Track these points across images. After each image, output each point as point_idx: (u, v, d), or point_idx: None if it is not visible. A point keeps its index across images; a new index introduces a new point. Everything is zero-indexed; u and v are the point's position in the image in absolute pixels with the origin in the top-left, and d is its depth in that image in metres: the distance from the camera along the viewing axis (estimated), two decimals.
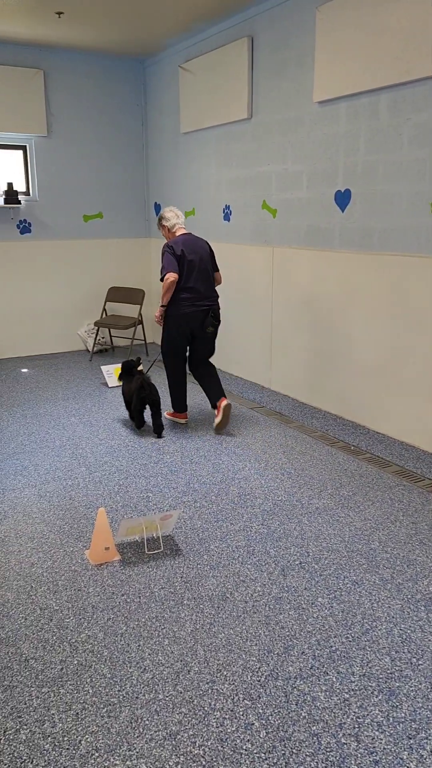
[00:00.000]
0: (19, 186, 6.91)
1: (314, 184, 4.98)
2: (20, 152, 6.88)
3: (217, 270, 4.82)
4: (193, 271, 4.53)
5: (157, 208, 7.44)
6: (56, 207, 7.11)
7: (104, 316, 7.25)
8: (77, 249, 7.31)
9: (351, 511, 3.50)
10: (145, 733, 2.02)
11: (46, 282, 7.19)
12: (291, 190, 5.24)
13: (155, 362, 5.78)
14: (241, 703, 2.14)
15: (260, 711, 2.11)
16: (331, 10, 4.49)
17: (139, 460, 4.20)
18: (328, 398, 5.14)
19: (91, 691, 2.20)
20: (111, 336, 7.54)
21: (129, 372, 4.81)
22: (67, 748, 1.96)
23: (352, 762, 1.91)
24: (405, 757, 1.93)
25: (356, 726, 2.05)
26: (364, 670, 2.30)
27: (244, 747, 1.97)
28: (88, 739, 2.00)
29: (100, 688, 2.21)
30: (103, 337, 7.50)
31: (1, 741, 1.99)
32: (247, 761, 1.91)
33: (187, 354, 4.84)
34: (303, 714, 2.10)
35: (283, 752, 1.94)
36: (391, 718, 2.08)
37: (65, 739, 2.00)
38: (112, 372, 5.91)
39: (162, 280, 4.50)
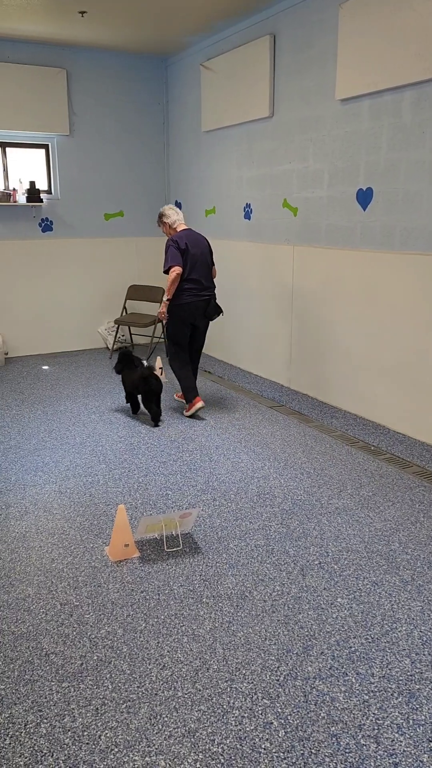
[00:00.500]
0: (42, 184, 6.96)
1: (335, 183, 4.95)
2: (43, 151, 6.93)
3: (214, 264, 5.11)
4: (196, 263, 4.84)
5: (178, 206, 7.43)
6: (78, 205, 7.15)
7: (124, 314, 7.29)
8: (98, 247, 7.35)
9: (371, 511, 3.49)
10: (164, 730, 2.03)
11: (67, 280, 7.24)
12: (312, 188, 5.22)
13: (154, 348, 5.97)
14: (260, 702, 2.14)
15: (279, 710, 2.11)
16: (353, 8, 4.46)
17: (158, 458, 4.21)
18: (348, 398, 5.11)
19: (110, 686, 2.21)
20: (131, 334, 7.58)
21: (128, 361, 4.98)
22: (87, 743, 1.98)
23: (372, 764, 1.90)
24: (425, 759, 1.92)
25: (376, 727, 2.04)
26: (383, 672, 2.28)
27: (263, 746, 1.97)
28: (108, 734, 2.01)
29: (119, 684, 2.22)
30: (123, 335, 7.53)
31: (22, 734, 2.01)
32: (266, 760, 1.91)
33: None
34: (322, 714, 2.09)
35: (302, 752, 1.94)
36: (411, 721, 2.07)
37: (85, 733, 2.02)
38: None
39: (166, 272, 4.79)
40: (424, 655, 2.37)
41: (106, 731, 2.02)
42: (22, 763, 1.91)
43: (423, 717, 2.08)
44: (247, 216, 6.15)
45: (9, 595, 2.73)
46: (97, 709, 2.12)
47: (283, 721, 2.06)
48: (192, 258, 4.81)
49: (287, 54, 5.29)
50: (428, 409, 4.38)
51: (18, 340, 7.12)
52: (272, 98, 5.53)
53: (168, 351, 5.09)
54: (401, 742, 1.98)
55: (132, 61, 7.09)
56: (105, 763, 1.90)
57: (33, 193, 6.71)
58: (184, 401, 5.18)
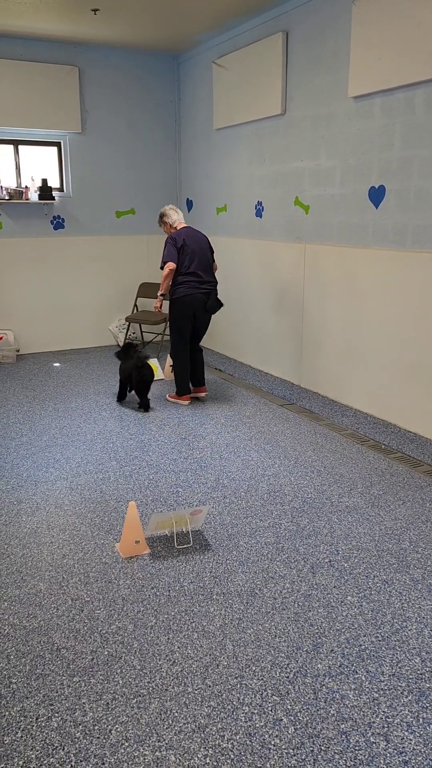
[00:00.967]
0: (54, 182, 6.99)
1: (348, 181, 4.94)
2: (55, 149, 6.95)
3: (214, 260, 5.32)
4: (195, 258, 5.06)
5: (190, 204, 7.45)
6: (89, 203, 7.17)
7: (135, 311, 7.31)
8: (109, 245, 7.37)
9: (381, 510, 3.48)
10: (174, 725, 2.04)
11: (78, 277, 7.27)
12: (324, 186, 5.20)
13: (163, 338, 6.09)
14: (270, 698, 2.15)
15: (289, 707, 2.11)
16: (366, 5, 4.44)
17: (169, 455, 4.22)
18: (359, 396, 5.10)
19: (121, 681, 2.23)
20: (141, 331, 7.59)
21: (132, 352, 5.15)
22: (98, 737, 1.99)
23: (381, 761, 1.91)
24: None
25: (385, 725, 2.04)
26: (393, 670, 2.28)
27: (273, 742, 1.97)
28: (118, 729, 2.02)
29: (130, 679, 2.24)
30: (133, 332, 7.55)
31: (34, 728, 2.03)
32: (275, 756, 1.92)
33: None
34: (332, 712, 2.09)
35: (311, 749, 1.95)
36: (421, 719, 2.07)
37: (96, 728, 2.03)
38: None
39: (162, 268, 5.05)
40: None
41: (117, 726, 2.04)
42: (33, 756, 1.93)
43: None
44: (259, 214, 6.14)
45: (21, 590, 2.75)
46: (108, 703, 2.13)
47: (292, 717, 2.07)
48: (191, 253, 5.03)
49: (300, 51, 5.28)
50: None
51: (29, 337, 7.16)
52: (284, 96, 5.52)
53: (172, 344, 5.27)
54: (411, 740, 1.98)
55: (144, 58, 7.10)
56: (116, 758, 1.92)
57: (45, 191, 6.73)
58: (177, 401, 5.33)
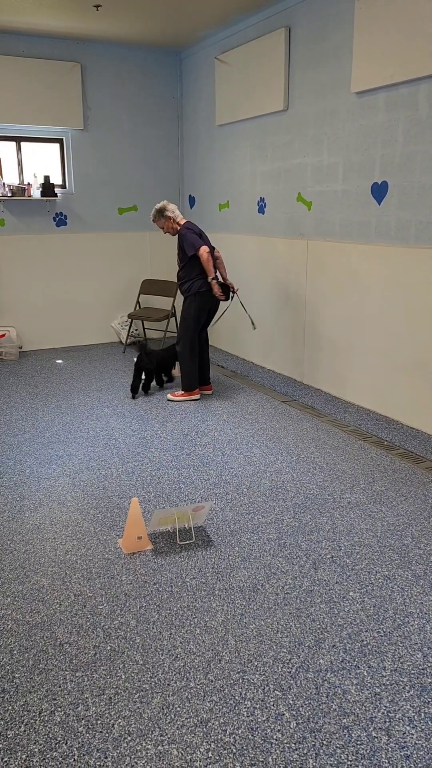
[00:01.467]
0: (56, 179, 6.99)
1: (350, 177, 4.93)
2: (57, 145, 6.95)
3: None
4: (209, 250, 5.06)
5: (192, 200, 7.45)
6: (92, 200, 7.17)
7: (138, 308, 7.31)
8: (112, 241, 7.37)
9: (383, 506, 3.48)
10: (177, 720, 2.05)
11: (80, 274, 7.27)
12: (327, 182, 5.20)
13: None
14: (272, 693, 2.16)
15: (291, 702, 2.12)
16: (369, 0, 4.43)
17: (171, 452, 4.23)
18: (361, 392, 5.10)
19: (123, 676, 2.24)
20: (144, 328, 7.60)
21: (144, 348, 5.35)
22: (100, 731, 2.00)
23: (383, 756, 1.91)
24: None
25: (387, 720, 2.04)
26: (395, 665, 2.29)
27: (275, 737, 1.98)
28: (121, 723, 2.03)
29: (132, 674, 2.25)
30: (136, 329, 7.55)
31: (37, 722, 2.04)
32: (277, 750, 1.93)
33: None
34: (333, 706, 2.10)
35: (313, 743, 1.95)
36: (422, 714, 2.07)
37: (98, 722, 2.04)
38: None
39: (193, 256, 4.97)
40: None
41: (120, 720, 2.05)
42: (36, 750, 1.94)
43: None
44: (261, 210, 6.13)
45: (24, 586, 2.76)
46: (111, 698, 2.14)
47: (294, 712, 2.08)
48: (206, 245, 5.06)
49: (302, 47, 5.27)
50: None
51: (32, 334, 7.16)
52: (287, 91, 5.51)
53: (181, 339, 5.23)
54: (413, 734, 1.99)
55: (146, 54, 7.09)
56: (118, 752, 1.93)
57: (47, 188, 6.73)
58: (188, 398, 5.31)
